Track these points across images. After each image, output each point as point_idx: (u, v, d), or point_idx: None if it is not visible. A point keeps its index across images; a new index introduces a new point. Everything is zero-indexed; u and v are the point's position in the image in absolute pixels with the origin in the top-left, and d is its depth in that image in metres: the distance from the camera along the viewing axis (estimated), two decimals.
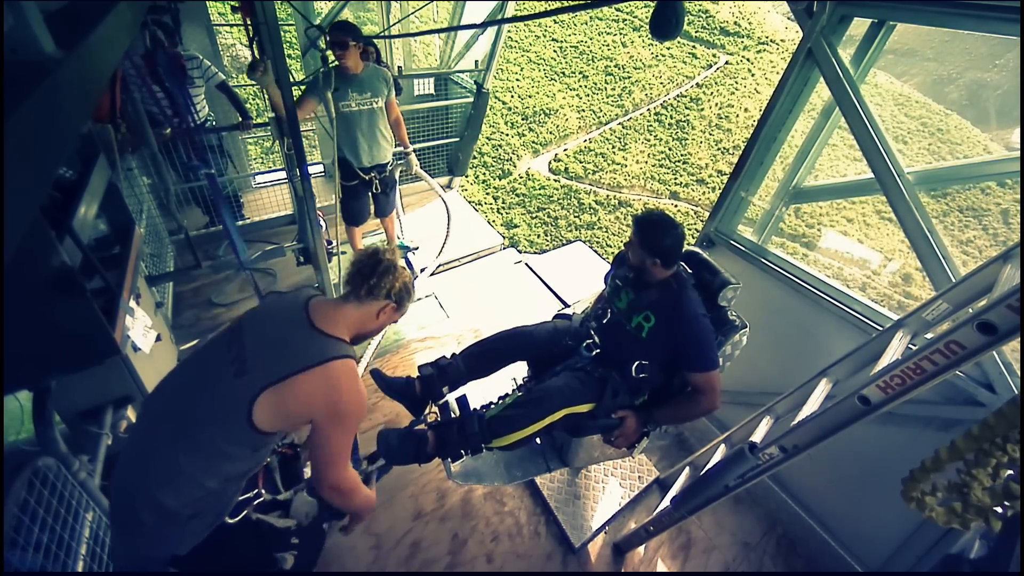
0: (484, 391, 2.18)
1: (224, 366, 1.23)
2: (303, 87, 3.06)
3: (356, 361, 1.32)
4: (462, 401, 1.93)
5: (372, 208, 3.72)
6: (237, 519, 1.37)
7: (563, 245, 8.15)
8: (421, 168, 4.93)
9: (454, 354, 2.07)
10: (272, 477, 1.58)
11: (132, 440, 1.31)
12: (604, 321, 1.99)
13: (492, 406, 1.93)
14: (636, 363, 1.84)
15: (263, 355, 1.23)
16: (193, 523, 1.24)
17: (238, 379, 1.20)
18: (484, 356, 2.04)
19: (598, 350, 1.94)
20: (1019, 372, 1.77)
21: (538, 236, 8.95)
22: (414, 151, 3.71)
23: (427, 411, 1.98)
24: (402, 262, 1.43)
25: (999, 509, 1.07)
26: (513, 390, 2.10)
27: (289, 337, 1.27)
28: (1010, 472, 1.09)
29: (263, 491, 1.45)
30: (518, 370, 2.20)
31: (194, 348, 1.42)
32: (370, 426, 2.79)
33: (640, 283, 1.87)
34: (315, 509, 1.57)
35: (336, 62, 2.99)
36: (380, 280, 1.35)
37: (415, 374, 2.01)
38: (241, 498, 1.39)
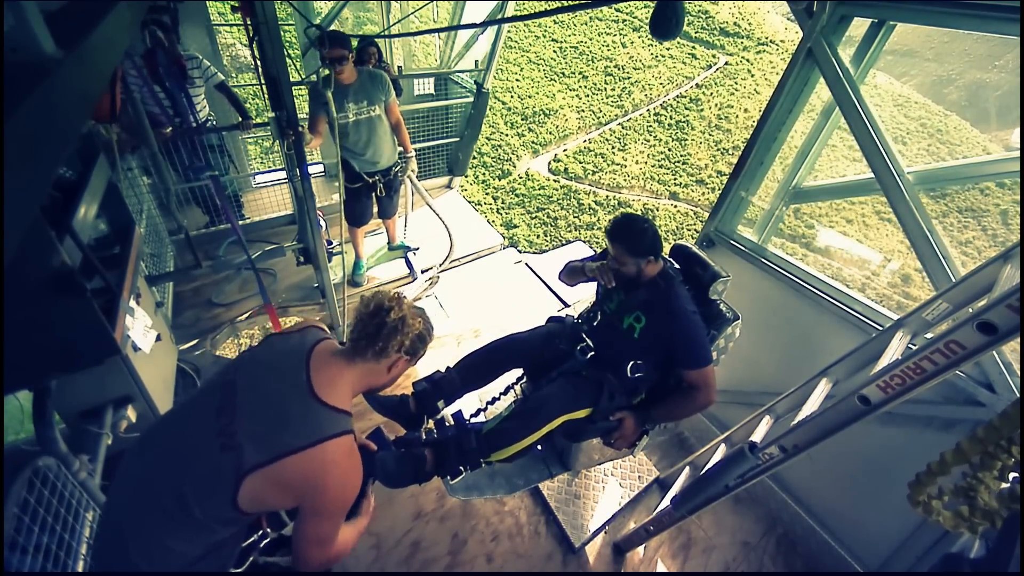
0: (480, 397, 2.17)
1: (211, 436, 1.09)
2: (307, 98, 3.02)
3: (353, 435, 1.20)
4: (458, 416, 1.92)
5: (375, 209, 3.72)
6: (244, 567, 1.28)
7: (562, 245, 8.16)
8: (421, 168, 4.94)
9: (448, 367, 2.04)
10: (276, 513, 1.48)
11: (113, 504, 1.18)
12: (595, 323, 1.99)
13: (488, 417, 1.91)
14: (631, 363, 1.84)
15: (254, 429, 1.09)
16: None
17: (225, 454, 1.06)
18: (479, 366, 2.03)
19: (592, 352, 1.93)
20: (1019, 372, 1.78)
21: (537, 236, 8.95)
22: (415, 153, 3.69)
23: (423, 426, 1.94)
24: (411, 310, 1.27)
25: (1006, 512, 1.07)
26: (510, 402, 2.08)
27: (283, 408, 1.13)
28: (1014, 475, 1.09)
29: (268, 530, 1.36)
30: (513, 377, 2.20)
31: (182, 402, 1.26)
32: (368, 426, 2.78)
33: (629, 283, 1.87)
34: None
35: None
36: (388, 342, 1.20)
37: (412, 376, 2.00)
38: (245, 544, 1.29)
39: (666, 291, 1.80)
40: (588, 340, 1.95)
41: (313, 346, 1.23)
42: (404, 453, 1.74)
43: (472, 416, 2.04)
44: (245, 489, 1.05)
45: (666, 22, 1.67)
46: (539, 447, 1.85)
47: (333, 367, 1.19)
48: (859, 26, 2.10)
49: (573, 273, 2.11)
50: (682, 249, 2.02)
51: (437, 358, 3.34)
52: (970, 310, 1.54)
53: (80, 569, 1.48)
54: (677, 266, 1.94)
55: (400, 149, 3.55)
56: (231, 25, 6.44)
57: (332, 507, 1.14)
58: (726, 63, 14.63)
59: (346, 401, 1.20)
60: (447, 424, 1.93)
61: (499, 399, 2.18)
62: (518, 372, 2.17)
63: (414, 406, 1.93)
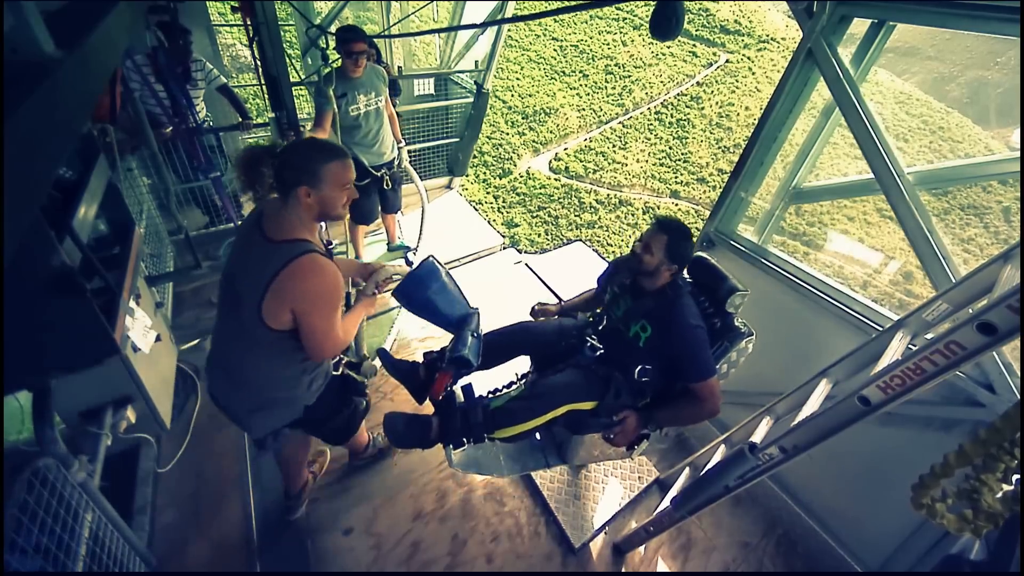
0: (488, 380, 2.19)
1: (231, 300, 1.51)
2: (312, 97, 3.05)
3: (318, 251, 1.46)
4: (467, 390, 1.94)
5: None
6: (339, 372, 1.84)
7: (564, 244, 8.15)
8: (422, 168, 4.94)
9: None
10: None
11: (219, 370, 1.68)
12: (600, 328, 1.99)
13: (495, 396, 1.94)
14: (638, 367, 1.85)
15: (244, 284, 1.46)
16: (314, 384, 1.71)
17: (241, 310, 1.45)
18: (489, 348, 2.04)
19: (601, 350, 1.94)
20: (1019, 372, 1.77)
21: (539, 235, 8.94)
22: (413, 150, 3.73)
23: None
24: (259, 152, 1.49)
25: (1009, 515, 1.06)
26: (517, 384, 2.11)
27: (254, 259, 1.44)
28: (1018, 476, 1.08)
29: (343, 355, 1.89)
30: (521, 364, 2.21)
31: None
32: (370, 425, 2.79)
33: (637, 290, 1.88)
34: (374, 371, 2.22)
35: (337, 63, 2.99)
36: (261, 179, 1.47)
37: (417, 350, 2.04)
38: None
39: (673, 301, 1.79)
40: (595, 341, 1.96)
41: (263, 211, 1.52)
42: (412, 416, 1.83)
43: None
44: (269, 322, 1.44)
45: (666, 22, 1.66)
46: (538, 436, 1.88)
47: (273, 216, 1.47)
48: (860, 24, 2.10)
49: (574, 304, 2.30)
50: (701, 261, 2.01)
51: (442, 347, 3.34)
52: (970, 310, 1.54)
53: (79, 569, 1.48)
54: (688, 277, 1.93)
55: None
56: (231, 25, 6.44)
57: (319, 302, 1.45)
58: (727, 61, 14.61)
59: (300, 234, 1.46)
60: (456, 397, 1.96)
61: (502, 389, 2.20)
62: (525, 359, 2.20)
63: (424, 375, 1.97)
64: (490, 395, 2.10)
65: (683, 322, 1.75)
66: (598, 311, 2.13)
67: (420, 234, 4.09)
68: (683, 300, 1.80)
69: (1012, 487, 1.07)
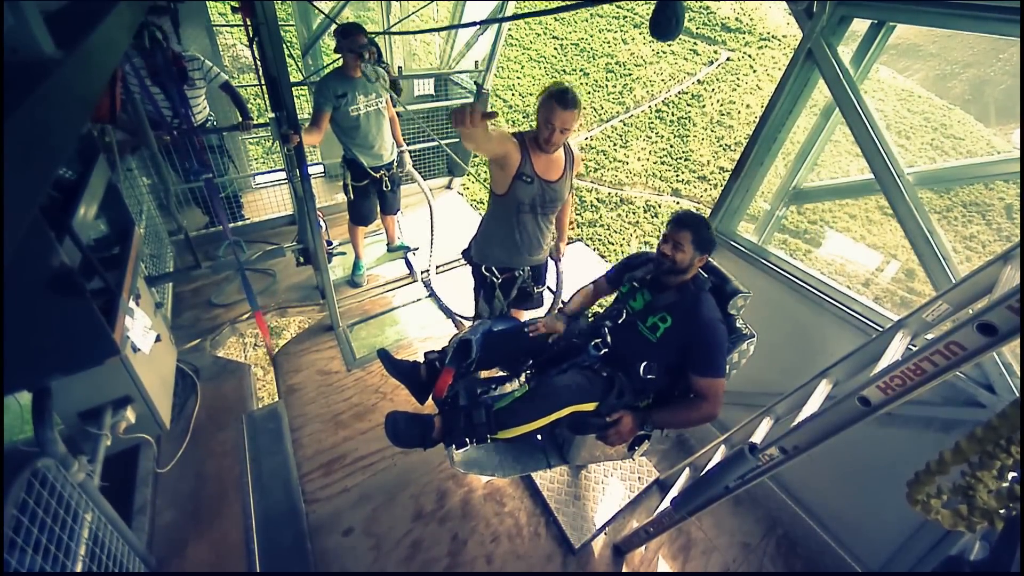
0: (489, 380, 2.20)
1: None
2: (311, 96, 3.05)
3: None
4: (470, 389, 1.94)
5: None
6: None
7: None
8: (422, 168, 4.94)
9: None
10: None
11: None
12: (620, 321, 1.99)
13: (499, 396, 1.93)
14: (644, 364, 1.84)
15: None
16: None
17: None
18: (491, 348, 2.05)
19: (606, 349, 1.94)
20: (1019, 373, 1.77)
21: None
22: (413, 151, 3.72)
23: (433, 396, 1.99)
24: None
25: (1004, 512, 1.07)
26: (520, 384, 2.11)
27: None
28: (1014, 474, 1.08)
29: None
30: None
31: None
32: (370, 426, 2.79)
33: (657, 285, 1.88)
34: None
35: (339, 64, 3.00)
36: None
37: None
38: None
39: (696, 295, 1.81)
40: (606, 336, 1.95)
41: None
42: (414, 416, 1.79)
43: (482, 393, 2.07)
44: None
45: (666, 22, 1.65)
46: (539, 437, 1.87)
47: None
48: (860, 23, 2.09)
49: (578, 305, 2.24)
50: (705, 263, 2.02)
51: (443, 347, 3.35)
52: (970, 311, 1.53)
53: (79, 569, 1.48)
54: (706, 275, 1.95)
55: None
56: (231, 26, 6.43)
57: None
58: (728, 59, 14.60)
59: None
60: (459, 396, 1.96)
61: (498, 386, 2.20)
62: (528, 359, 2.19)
63: (424, 375, 1.97)
64: (493, 395, 2.10)
65: (708, 314, 1.77)
66: (614, 304, 2.12)
67: (432, 244, 4.08)
68: (705, 295, 1.82)
69: (1007, 484, 1.08)
